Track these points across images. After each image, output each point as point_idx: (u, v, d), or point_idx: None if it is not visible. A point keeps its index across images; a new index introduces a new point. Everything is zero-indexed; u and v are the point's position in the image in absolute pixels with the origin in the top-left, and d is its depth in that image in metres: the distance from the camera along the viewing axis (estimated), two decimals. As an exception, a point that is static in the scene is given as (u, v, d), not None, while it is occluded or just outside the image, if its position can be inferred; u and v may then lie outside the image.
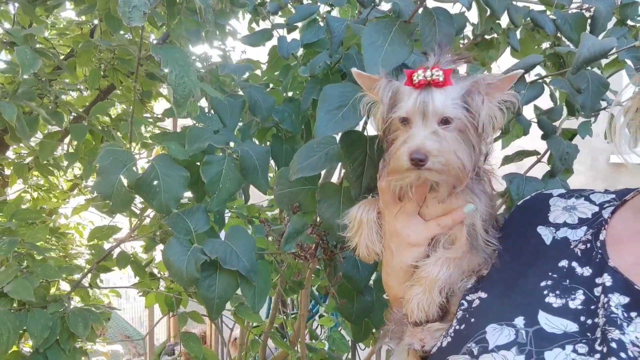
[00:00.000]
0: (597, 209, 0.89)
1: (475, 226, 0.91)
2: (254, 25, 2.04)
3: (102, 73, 1.81)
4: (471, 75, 0.89)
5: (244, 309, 1.67)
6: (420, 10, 1.02)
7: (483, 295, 0.85)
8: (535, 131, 1.70)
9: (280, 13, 1.88)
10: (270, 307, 2.49)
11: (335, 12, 1.91)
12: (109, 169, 1.18)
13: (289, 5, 1.88)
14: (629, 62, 1.62)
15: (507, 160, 1.72)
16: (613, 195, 0.91)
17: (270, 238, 1.43)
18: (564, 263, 0.82)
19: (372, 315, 1.56)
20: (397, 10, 1.06)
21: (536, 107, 1.71)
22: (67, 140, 1.98)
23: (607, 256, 0.79)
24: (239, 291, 1.26)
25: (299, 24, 1.76)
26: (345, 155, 1.07)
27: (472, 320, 0.82)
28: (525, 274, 0.84)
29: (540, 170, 1.60)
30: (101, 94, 1.95)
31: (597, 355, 0.68)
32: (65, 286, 1.77)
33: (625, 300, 0.72)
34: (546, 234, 0.88)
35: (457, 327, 0.84)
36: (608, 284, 0.75)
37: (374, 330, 1.66)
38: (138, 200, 1.72)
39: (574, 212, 0.90)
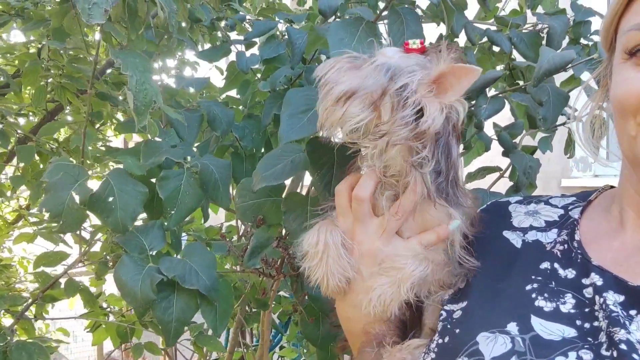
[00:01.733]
0: (562, 211, 0.88)
1: (454, 242, 0.84)
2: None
3: (48, 92, 1.72)
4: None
5: (203, 338, 1.57)
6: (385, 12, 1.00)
7: (463, 304, 0.80)
8: (495, 148, 1.71)
9: (236, 31, 1.85)
10: (228, 338, 2.39)
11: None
12: (59, 185, 1.09)
13: (246, 23, 1.85)
14: (588, 80, 1.66)
15: (470, 177, 1.71)
16: (574, 198, 0.90)
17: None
18: (546, 265, 0.79)
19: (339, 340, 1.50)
20: (360, 14, 1.03)
21: (495, 125, 1.71)
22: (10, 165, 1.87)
23: (587, 255, 0.77)
24: (197, 316, 1.18)
25: (257, 40, 1.73)
26: (312, 162, 1.02)
27: (457, 331, 0.76)
28: (503, 277, 0.80)
29: (502, 187, 1.59)
30: (48, 115, 1.85)
31: None
32: (7, 321, 1.64)
33: (620, 298, 0.69)
34: (514, 237, 0.86)
35: (440, 340, 0.78)
36: (599, 283, 0.72)
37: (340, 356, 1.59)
38: (87, 223, 1.63)
39: (539, 216, 0.88)
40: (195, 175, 1.18)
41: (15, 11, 1.76)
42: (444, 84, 0.77)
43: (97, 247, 1.69)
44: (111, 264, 1.42)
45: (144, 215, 1.35)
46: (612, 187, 0.89)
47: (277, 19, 1.64)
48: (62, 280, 1.55)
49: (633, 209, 0.78)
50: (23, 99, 1.90)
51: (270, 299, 1.38)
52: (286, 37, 1.78)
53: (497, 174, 1.69)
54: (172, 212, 1.12)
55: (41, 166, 1.70)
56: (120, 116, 2.15)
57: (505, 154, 1.65)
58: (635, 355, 0.62)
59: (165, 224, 1.19)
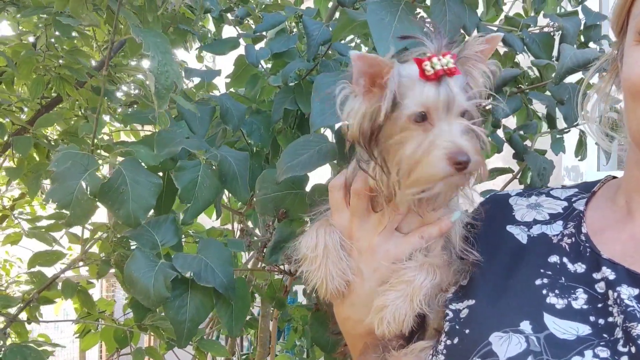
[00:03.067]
0: (565, 203, 0.86)
1: (451, 237, 0.82)
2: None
3: (46, 84, 1.64)
4: (458, 48, 0.77)
5: (207, 343, 1.49)
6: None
7: (471, 302, 0.77)
8: (506, 150, 1.68)
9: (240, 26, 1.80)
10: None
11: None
12: (68, 174, 1.02)
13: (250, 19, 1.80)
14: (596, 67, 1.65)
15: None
16: (576, 189, 0.89)
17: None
18: (555, 259, 0.77)
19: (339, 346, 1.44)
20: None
21: (505, 127, 1.68)
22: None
23: (597, 249, 0.75)
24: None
25: (266, 35, 1.68)
26: (339, 152, 0.97)
27: (467, 331, 0.73)
28: (512, 274, 0.78)
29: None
30: (42, 109, 1.77)
31: (625, 358, 0.62)
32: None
33: (634, 291, 0.67)
34: (518, 232, 0.84)
35: (449, 341, 0.75)
36: (611, 277, 0.70)
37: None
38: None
39: (541, 209, 0.87)
40: (213, 167, 1.11)
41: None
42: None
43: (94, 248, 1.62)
44: (113, 262, 1.34)
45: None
46: (614, 177, 0.87)
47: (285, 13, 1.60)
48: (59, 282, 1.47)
49: None
50: (14, 91, 1.81)
51: (285, 296, 1.30)
52: (295, 31, 1.74)
53: (508, 176, 1.66)
54: (189, 204, 1.05)
55: (37, 159, 1.61)
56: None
57: (516, 156, 1.62)
58: None
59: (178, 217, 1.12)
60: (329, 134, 1.37)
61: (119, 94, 2.06)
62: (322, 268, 0.82)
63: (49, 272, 1.51)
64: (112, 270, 1.47)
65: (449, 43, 0.75)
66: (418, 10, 0.92)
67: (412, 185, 0.74)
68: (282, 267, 1.10)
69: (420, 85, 0.72)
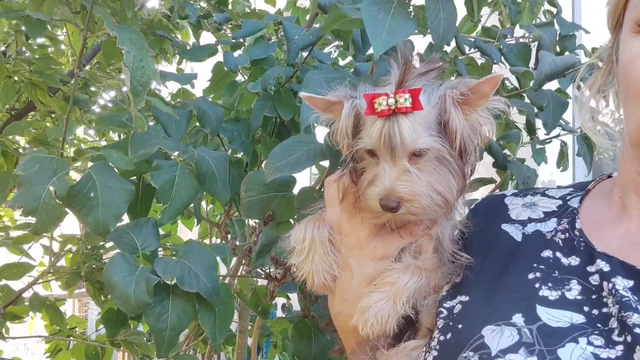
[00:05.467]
0: (560, 202, 0.86)
1: (442, 239, 0.81)
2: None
3: (17, 90, 1.58)
4: (443, 84, 0.76)
5: (184, 357, 1.43)
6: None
7: (464, 298, 0.77)
8: (487, 158, 1.67)
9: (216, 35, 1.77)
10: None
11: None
12: (35, 179, 0.96)
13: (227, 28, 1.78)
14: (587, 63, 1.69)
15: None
16: (571, 188, 0.89)
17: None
18: (548, 253, 0.76)
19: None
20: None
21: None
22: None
23: (591, 243, 0.74)
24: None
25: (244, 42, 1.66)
26: (329, 152, 0.94)
27: (460, 326, 0.73)
28: (506, 270, 0.77)
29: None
30: (12, 118, 1.70)
31: (620, 347, 0.61)
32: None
33: (629, 283, 0.67)
34: (513, 230, 0.83)
35: (442, 337, 0.74)
36: (606, 269, 0.70)
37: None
38: (56, 233, 1.49)
39: (536, 208, 0.86)
40: (190, 167, 1.07)
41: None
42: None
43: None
44: (83, 274, 1.28)
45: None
46: (609, 176, 0.87)
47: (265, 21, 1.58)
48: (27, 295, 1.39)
49: (636, 192, 0.76)
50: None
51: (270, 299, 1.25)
52: (273, 40, 1.72)
53: (491, 186, 1.65)
54: (166, 205, 1.01)
55: (6, 168, 1.54)
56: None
57: (496, 165, 1.62)
58: None
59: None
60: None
61: (95, 108, 2.01)
62: (308, 261, 0.82)
63: (17, 285, 1.43)
64: (84, 289, 1.41)
65: (420, 73, 0.74)
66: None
67: (363, 211, 0.79)
68: (268, 271, 1.06)
69: (372, 121, 0.73)
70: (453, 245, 0.82)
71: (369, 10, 0.85)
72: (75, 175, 1.11)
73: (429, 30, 0.93)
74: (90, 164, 1.07)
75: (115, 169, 1.06)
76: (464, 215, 0.87)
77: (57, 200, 0.99)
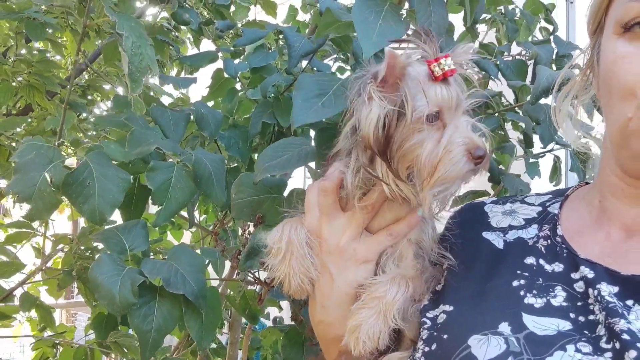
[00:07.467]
0: (539, 208, 0.86)
1: (422, 240, 0.81)
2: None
3: (15, 92, 1.59)
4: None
5: (172, 362, 1.42)
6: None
7: (448, 308, 0.76)
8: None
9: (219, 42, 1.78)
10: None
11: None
12: (31, 166, 0.97)
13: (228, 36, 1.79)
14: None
15: (457, 201, 1.67)
16: (549, 195, 0.89)
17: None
18: (531, 260, 0.76)
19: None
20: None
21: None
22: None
23: (573, 249, 0.74)
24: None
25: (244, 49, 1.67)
26: (319, 154, 0.94)
27: (445, 336, 0.71)
28: (490, 278, 0.76)
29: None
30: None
31: (608, 354, 0.60)
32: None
33: (614, 289, 0.67)
34: (494, 238, 0.83)
35: (427, 348, 0.73)
36: (590, 275, 0.69)
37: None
38: (49, 233, 1.48)
39: (517, 215, 0.86)
40: (187, 169, 1.07)
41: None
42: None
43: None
44: (75, 273, 1.28)
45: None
46: (587, 183, 0.88)
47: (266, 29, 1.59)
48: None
49: (615, 195, 0.76)
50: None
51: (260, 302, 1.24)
52: (272, 49, 1.73)
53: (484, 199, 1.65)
54: (162, 206, 1.01)
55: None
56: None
57: (491, 179, 1.63)
58: (639, 344, 0.58)
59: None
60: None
61: (91, 118, 2.01)
62: (285, 263, 0.80)
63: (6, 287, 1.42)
64: (73, 300, 1.40)
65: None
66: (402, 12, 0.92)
67: (435, 185, 0.74)
68: (257, 274, 1.05)
69: (432, 86, 0.73)
70: (435, 245, 0.82)
71: (360, 12, 0.86)
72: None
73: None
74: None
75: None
76: (446, 219, 0.87)
77: (52, 188, 0.99)
